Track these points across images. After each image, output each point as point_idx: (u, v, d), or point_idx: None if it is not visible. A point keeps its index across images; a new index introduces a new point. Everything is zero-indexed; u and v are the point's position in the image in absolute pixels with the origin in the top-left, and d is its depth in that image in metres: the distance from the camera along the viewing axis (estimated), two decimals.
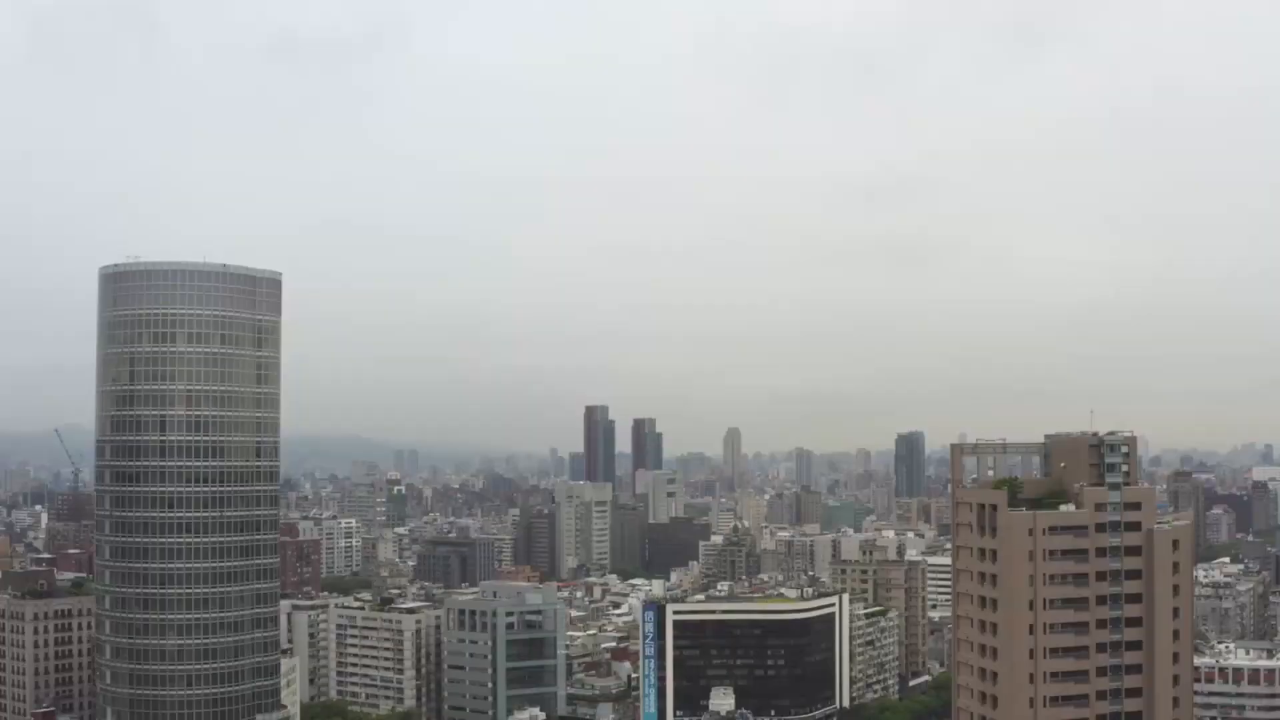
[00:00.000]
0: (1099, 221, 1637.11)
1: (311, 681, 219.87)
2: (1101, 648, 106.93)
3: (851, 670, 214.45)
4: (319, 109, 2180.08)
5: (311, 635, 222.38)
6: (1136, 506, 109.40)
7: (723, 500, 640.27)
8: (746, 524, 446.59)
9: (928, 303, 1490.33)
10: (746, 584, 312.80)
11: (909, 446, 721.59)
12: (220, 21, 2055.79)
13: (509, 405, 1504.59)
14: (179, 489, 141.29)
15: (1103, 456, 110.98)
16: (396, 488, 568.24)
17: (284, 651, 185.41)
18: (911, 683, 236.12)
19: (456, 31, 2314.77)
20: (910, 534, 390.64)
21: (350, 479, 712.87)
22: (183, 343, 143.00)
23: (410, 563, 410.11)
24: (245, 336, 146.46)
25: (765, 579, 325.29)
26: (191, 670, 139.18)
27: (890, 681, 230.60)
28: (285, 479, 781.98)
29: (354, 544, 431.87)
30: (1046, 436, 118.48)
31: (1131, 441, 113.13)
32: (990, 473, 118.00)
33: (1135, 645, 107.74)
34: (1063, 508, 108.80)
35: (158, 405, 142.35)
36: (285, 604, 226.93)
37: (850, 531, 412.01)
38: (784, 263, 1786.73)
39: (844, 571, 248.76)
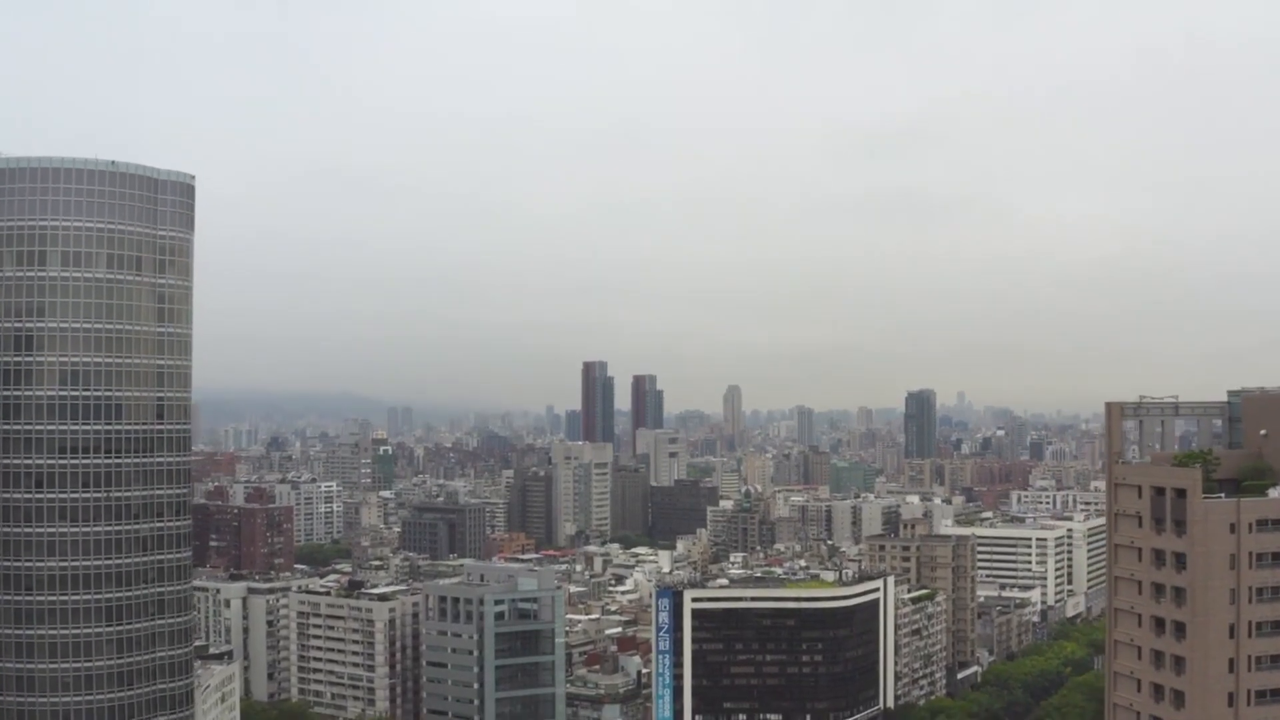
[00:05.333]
0: (1110, 177, 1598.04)
1: (271, 678, 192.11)
2: None
3: (896, 664, 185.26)
4: (307, 57, 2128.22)
5: (270, 623, 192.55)
6: None
7: (725, 460, 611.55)
8: (758, 488, 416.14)
9: (931, 258, 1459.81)
10: (761, 555, 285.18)
11: (919, 405, 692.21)
12: None
13: (505, 361, 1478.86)
14: (52, 461, 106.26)
15: None
16: (383, 448, 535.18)
17: (223, 656, 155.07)
18: (960, 675, 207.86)
19: None
20: (937, 500, 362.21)
21: (340, 438, 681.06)
22: (56, 264, 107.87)
23: (395, 529, 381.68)
24: (143, 258, 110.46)
25: (782, 549, 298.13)
26: (71, 704, 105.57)
27: (938, 675, 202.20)
28: (274, 437, 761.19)
29: (334, 509, 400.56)
30: (1230, 393, 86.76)
31: None
32: (1157, 446, 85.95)
33: None
34: (1271, 493, 77.52)
35: (22, 349, 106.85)
36: (240, 586, 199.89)
37: (871, 496, 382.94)
38: (784, 217, 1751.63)
39: (882, 549, 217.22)
